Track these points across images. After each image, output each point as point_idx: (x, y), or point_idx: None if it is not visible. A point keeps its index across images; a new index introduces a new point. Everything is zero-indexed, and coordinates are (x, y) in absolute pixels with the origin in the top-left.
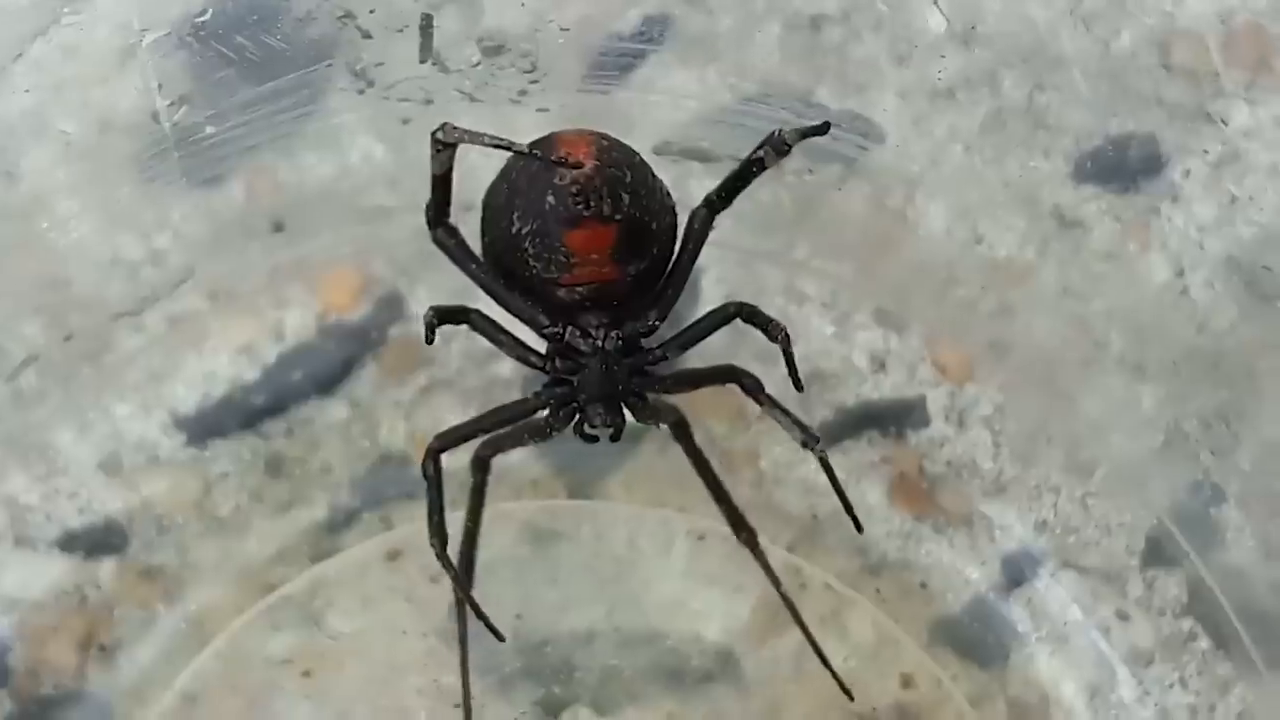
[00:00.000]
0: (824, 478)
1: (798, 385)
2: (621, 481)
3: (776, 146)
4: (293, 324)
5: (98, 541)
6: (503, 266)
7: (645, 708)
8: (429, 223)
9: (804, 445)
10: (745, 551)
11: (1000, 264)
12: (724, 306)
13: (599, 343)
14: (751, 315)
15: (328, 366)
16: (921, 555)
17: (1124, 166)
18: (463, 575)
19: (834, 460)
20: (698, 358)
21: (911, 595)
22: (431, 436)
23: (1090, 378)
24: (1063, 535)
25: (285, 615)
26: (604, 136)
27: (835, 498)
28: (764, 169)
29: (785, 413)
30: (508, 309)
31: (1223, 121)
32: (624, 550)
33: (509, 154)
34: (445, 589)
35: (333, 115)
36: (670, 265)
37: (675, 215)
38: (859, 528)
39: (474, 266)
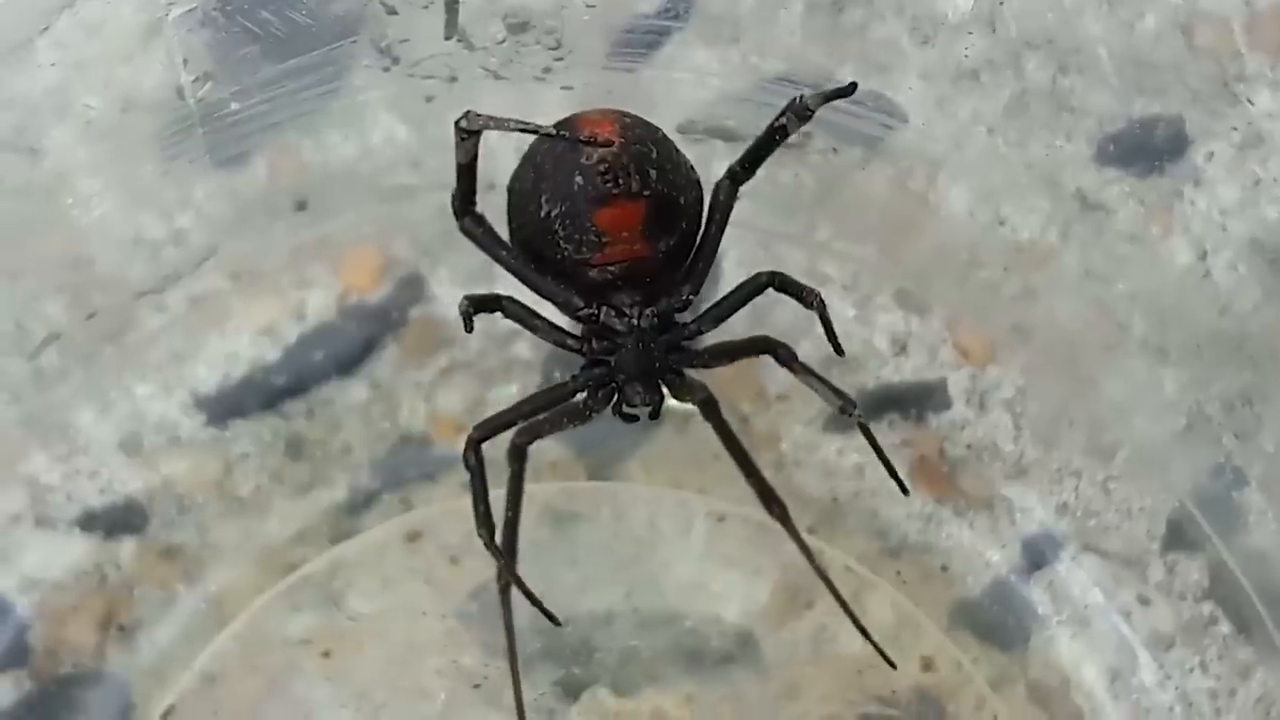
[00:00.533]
0: (846, 460)
1: (838, 349)
2: (641, 463)
3: (799, 112)
4: (314, 304)
5: (118, 521)
6: (532, 250)
7: (664, 689)
8: (455, 213)
9: (841, 411)
10: (765, 533)
11: (1023, 246)
12: (756, 276)
13: (634, 321)
14: (785, 284)
15: (349, 347)
16: (942, 538)
17: (1147, 149)
18: (507, 554)
19: (854, 443)
20: (719, 335)
21: (932, 578)
22: (451, 417)
23: (1112, 361)
24: (1084, 518)
25: (305, 596)
26: (625, 114)
27: (856, 480)
28: (786, 136)
29: (821, 380)
30: (540, 293)
31: (1249, 102)
32: (643, 532)
33: (532, 137)
34: (464, 571)
35: (357, 93)
36: (698, 239)
37: (701, 189)
38: (905, 490)
39: (503, 253)
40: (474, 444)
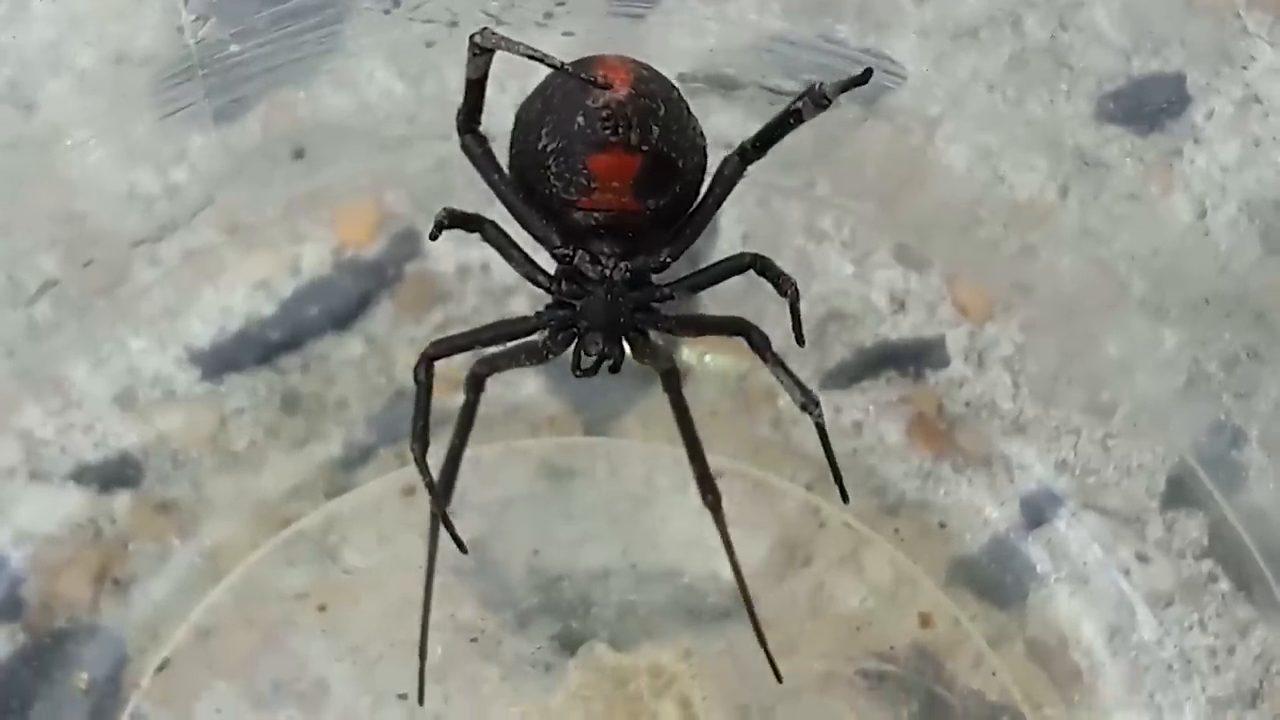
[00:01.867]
0: (844, 418)
1: (800, 340)
2: (638, 419)
3: (816, 99)
4: (309, 259)
5: (112, 475)
6: (525, 182)
7: (662, 643)
8: (458, 128)
9: (802, 409)
10: (762, 490)
11: (1022, 204)
12: (739, 256)
13: (607, 271)
14: (765, 268)
15: (344, 302)
16: (940, 495)
17: (1147, 107)
18: (441, 490)
19: (852, 400)
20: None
21: (930, 535)
22: (447, 373)
23: (1112, 318)
24: (1083, 476)
25: (300, 550)
26: (645, 67)
27: (854, 437)
28: (801, 121)
29: (788, 373)
30: (523, 224)
31: (1251, 58)
32: (640, 487)
33: (548, 71)
34: (460, 524)
35: (358, 36)
36: (693, 207)
37: (705, 157)
38: (845, 498)
39: (496, 177)
40: (427, 360)
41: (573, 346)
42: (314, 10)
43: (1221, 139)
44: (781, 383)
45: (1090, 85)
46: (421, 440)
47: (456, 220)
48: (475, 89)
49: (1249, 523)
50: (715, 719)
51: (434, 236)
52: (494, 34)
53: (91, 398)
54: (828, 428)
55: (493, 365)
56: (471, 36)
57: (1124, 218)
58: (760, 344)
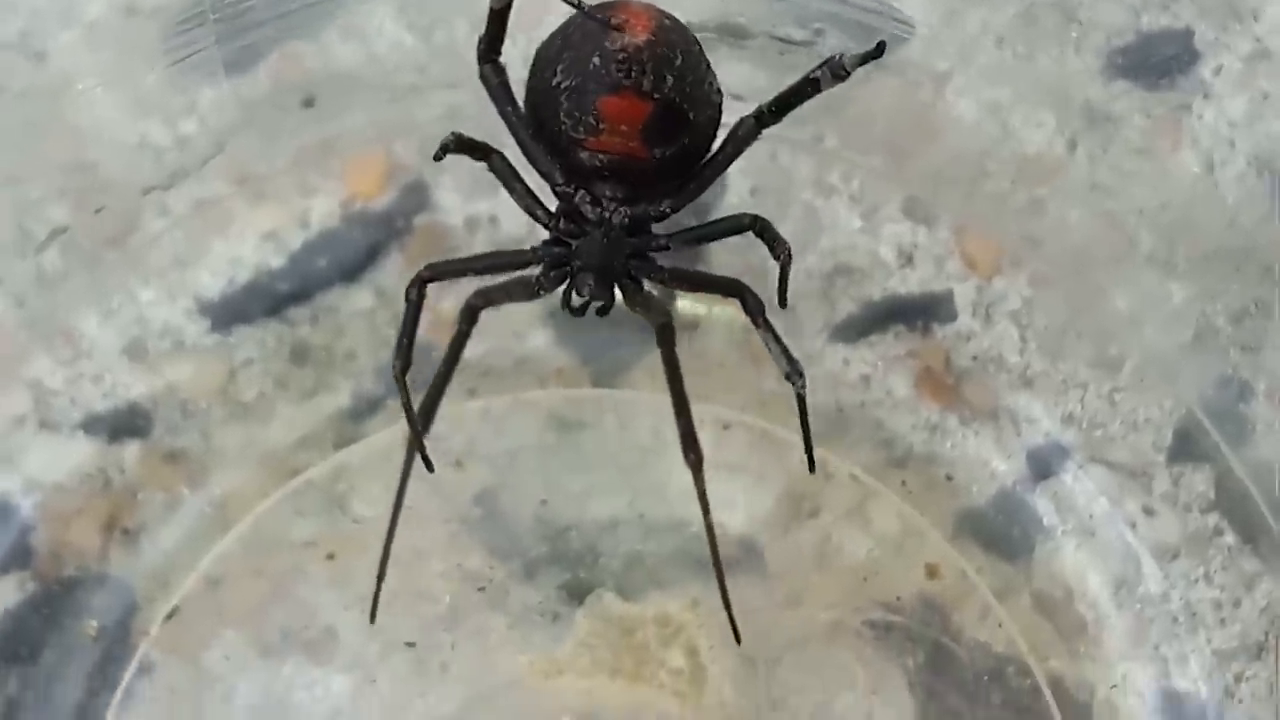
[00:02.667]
0: (851, 371)
1: (782, 302)
2: (645, 371)
3: (835, 70)
4: (318, 211)
5: (122, 425)
6: (537, 116)
7: (669, 593)
8: (478, 57)
9: (786, 378)
10: (770, 442)
11: (1030, 159)
12: (739, 216)
13: (606, 214)
14: (763, 230)
15: (353, 254)
16: (947, 448)
17: (1155, 62)
18: (421, 416)
19: (860, 354)
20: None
21: (937, 487)
22: (456, 325)
23: (1120, 272)
24: (1090, 429)
25: (309, 500)
26: (668, 16)
27: (861, 390)
28: (819, 90)
29: (777, 340)
30: (529, 158)
31: (1260, 12)
32: (648, 439)
33: (568, 14)
34: (468, 475)
35: None
36: (702, 162)
37: (719, 113)
38: (812, 468)
39: (509, 109)
40: (420, 281)
41: (565, 285)
42: None
43: (1230, 94)
44: (769, 349)
45: (1099, 40)
46: (404, 358)
47: (464, 146)
48: (497, 19)
49: (1255, 476)
50: (722, 668)
51: (438, 158)
52: None
53: (101, 348)
54: (837, 379)
55: (487, 299)
56: None
57: (1132, 172)
58: (754, 308)
